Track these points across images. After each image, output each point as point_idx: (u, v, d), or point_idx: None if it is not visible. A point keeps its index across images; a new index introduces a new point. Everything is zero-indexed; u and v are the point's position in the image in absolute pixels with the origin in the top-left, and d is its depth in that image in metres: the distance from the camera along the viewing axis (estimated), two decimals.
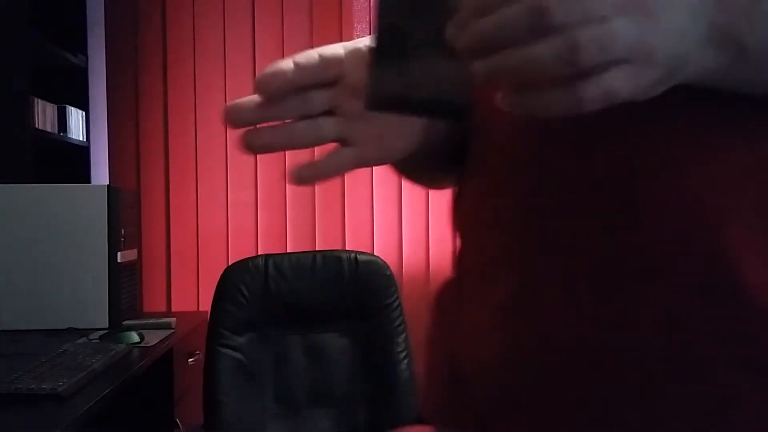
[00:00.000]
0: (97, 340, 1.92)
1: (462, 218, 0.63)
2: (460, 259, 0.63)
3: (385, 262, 2.01)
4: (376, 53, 0.47)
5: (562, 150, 0.52)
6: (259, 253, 2.56)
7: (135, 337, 1.94)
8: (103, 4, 3.01)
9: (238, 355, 1.89)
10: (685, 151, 0.48)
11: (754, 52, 0.42)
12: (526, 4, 0.38)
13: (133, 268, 2.40)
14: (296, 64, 0.52)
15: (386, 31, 0.46)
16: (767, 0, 0.41)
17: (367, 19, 3.00)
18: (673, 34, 0.39)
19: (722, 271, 0.46)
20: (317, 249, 2.96)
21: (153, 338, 2.02)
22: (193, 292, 3.02)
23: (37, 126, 2.53)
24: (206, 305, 2.65)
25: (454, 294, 0.63)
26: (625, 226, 0.49)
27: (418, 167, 0.68)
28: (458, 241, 0.64)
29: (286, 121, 0.54)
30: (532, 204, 0.53)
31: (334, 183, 3.01)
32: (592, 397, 0.49)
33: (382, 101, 0.47)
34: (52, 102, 2.70)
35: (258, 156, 3.00)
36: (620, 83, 0.39)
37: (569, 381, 0.50)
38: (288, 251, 2.46)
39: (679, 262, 0.47)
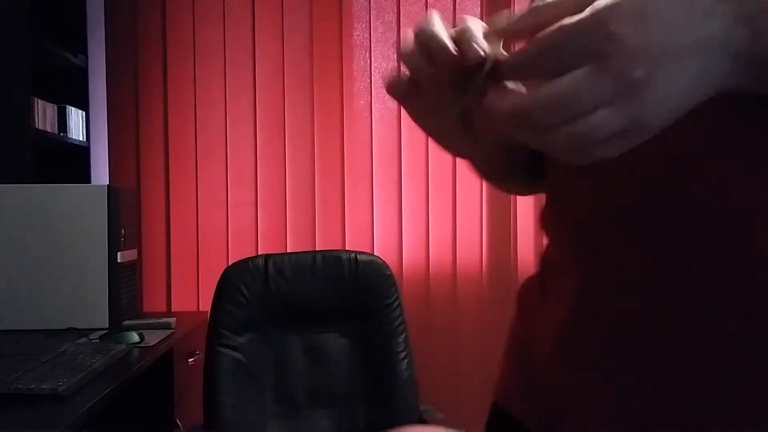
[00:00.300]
0: (97, 340, 1.92)
1: (544, 219, 0.68)
2: (543, 257, 0.68)
3: (385, 262, 2.01)
4: None
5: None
6: (259, 253, 2.56)
7: (135, 337, 1.94)
8: (103, 4, 3.01)
9: (238, 355, 1.89)
10: (731, 156, 0.48)
11: None
12: (512, 105, 0.39)
13: (133, 268, 2.40)
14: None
15: None
16: None
17: (367, 18, 3.00)
18: (681, 92, 0.38)
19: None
20: (317, 249, 2.96)
21: (153, 338, 2.02)
22: (193, 292, 3.02)
23: (37, 126, 2.53)
24: (206, 305, 2.65)
25: (535, 290, 0.67)
26: (677, 226, 0.50)
27: (499, 172, 0.71)
28: (545, 241, 0.69)
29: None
30: (592, 207, 0.56)
31: (334, 183, 3.01)
32: (655, 395, 0.50)
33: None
34: (52, 102, 2.70)
35: (258, 156, 3.00)
36: (609, 152, 0.39)
37: (629, 378, 0.52)
38: (288, 251, 2.46)
39: (725, 263, 0.48)
